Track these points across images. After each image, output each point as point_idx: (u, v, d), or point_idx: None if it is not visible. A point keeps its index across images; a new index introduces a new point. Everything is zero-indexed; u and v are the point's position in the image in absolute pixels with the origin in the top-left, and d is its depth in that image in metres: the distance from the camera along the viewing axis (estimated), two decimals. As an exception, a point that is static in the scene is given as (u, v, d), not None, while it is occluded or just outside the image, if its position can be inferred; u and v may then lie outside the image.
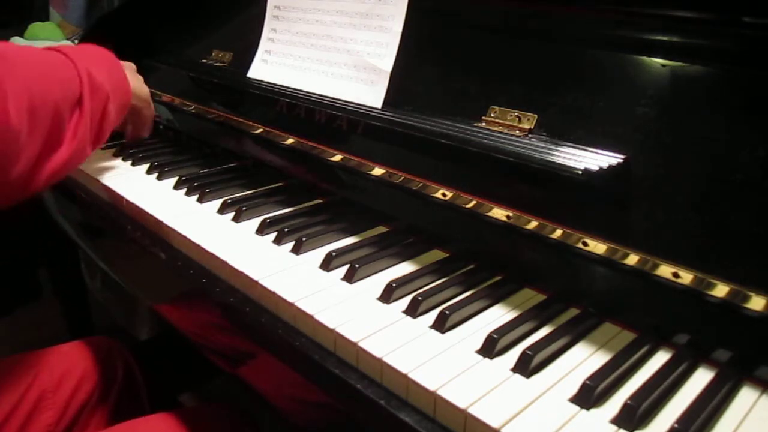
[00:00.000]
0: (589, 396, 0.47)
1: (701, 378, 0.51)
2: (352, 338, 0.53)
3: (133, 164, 0.95)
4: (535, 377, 0.50)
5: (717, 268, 0.50)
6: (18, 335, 1.41)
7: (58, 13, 1.54)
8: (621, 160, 0.56)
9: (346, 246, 0.69)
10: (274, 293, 0.60)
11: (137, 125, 0.97)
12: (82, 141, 0.71)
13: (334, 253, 0.66)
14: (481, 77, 0.69)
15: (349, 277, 0.63)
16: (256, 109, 0.90)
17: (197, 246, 0.70)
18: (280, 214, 0.77)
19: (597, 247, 0.56)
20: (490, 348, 0.52)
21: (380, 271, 0.66)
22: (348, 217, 0.76)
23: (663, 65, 0.57)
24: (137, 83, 0.92)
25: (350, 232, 0.74)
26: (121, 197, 0.83)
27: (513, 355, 0.52)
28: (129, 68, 0.93)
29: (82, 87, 0.71)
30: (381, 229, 0.75)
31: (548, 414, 0.46)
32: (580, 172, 0.55)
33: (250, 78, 0.92)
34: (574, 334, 0.55)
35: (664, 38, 0.58)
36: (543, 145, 0.59)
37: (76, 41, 1.24)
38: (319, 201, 0.83)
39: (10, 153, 0.60)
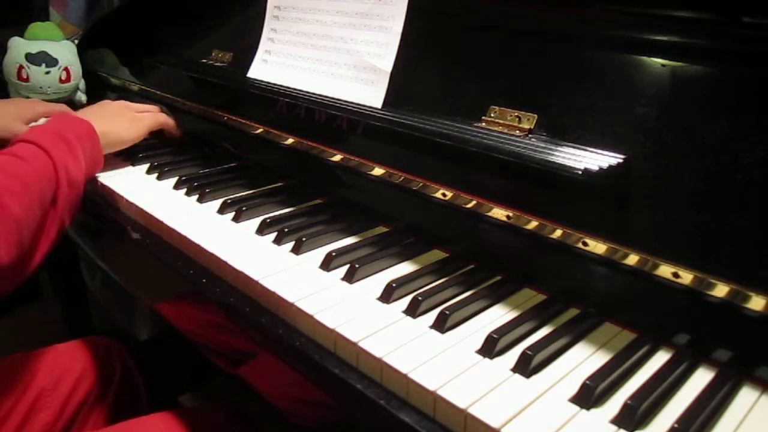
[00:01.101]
0: (589, 396, 0.47)
1: (701, 378, 0.51)
2: (352, 338, 0.53)
3: (133, 164, 0.95)
4: (535, 377, 0.50)
5: (717, 268, 0.50)
6: (18, 335, 1.41)
7: (58, 13, 1.54)
8: (621, 160, 0.55)
9: (346, 246, 0.69)
10: (274, 293, 0.60)
11: (162, 138, 1.02)
12: (58, 231, 0.73)
13: (334, 253, 0.66)
14: (481, 77, 0.69)
15: (349, 277, 0.63)
16: (256, 109, 0.90)
17: (197, 246, 0.70)
18: (280, 214, 0.77)
19: (597, 247, 0.56)
20: (490, 348, 0.52)
21: (380, 271, 0.66)
22: (348, 217, 0.76)
23: (663, 65, 0.57)
24: (124, 129, 0.92)
25: (350, 232, 0.74)
26: (121, 197, 0.83)
27: (513, 355, 0.52)
28: (116, 116, 0.93)
29: (59, 187, 0.72)
30: (381, 229, 0.75)
31: (548, 414, 0.46)
32: (580, 172, 0.55)
33: (250, 78, 0.92)
34: (574, 334, 0.55)
35: (664, 38, 0.58)
36: (543, 145, 0.59)
37: (75, 41, 1.23)
38: (319, 201, 0.83)
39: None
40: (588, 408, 0.47)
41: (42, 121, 0.97)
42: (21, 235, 0.65)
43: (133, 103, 1.00)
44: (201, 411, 0.85)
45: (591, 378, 0.48)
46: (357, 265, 0.63)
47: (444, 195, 0.67)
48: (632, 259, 0.54)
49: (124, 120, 0.93)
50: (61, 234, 0.74)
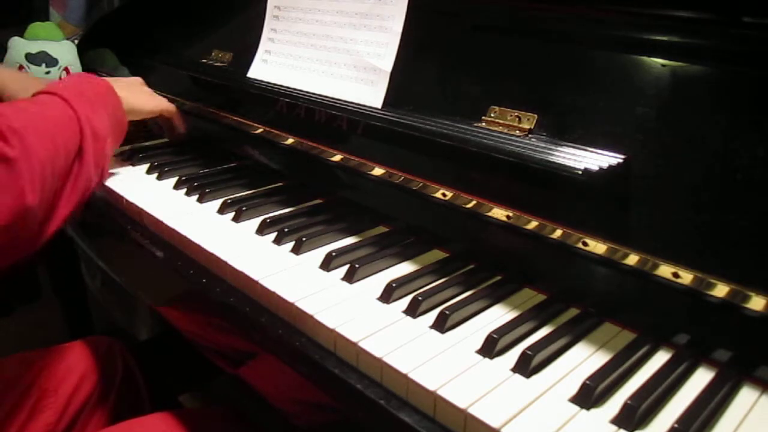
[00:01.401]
0: (589, 396, 0.47)
1: (701, 378, 0.51)
2: (352, 338, 0.53)
3: (133, 164, 0.95)
4: (535, 377, 0.50)
5: (717, 268, 0.50)
6: (18, 335, 1.41)
7: (58, 13, 1.54)
8: (621, 160, 0.55)
9: (346, 246, 0.69)
10: (274, 293, 0.60)
11: (168, 129, 1.01)
12: (84, 190, 0.72)
13: (334, 253, 0.66)
14: (481, 77, 0.69)
15: (349, 277, 0.63)
16: (256, 109, 0.90)
17: (197, 246, 0.70)
18: (280, 214, 0.77)
19: (597, 247, 0.56)
20: (490, 348, 0.52)
21: (380, 271, 0.66)
22: (348, 217, 0.76)
23: (663, 65, 0.57)
24: (143, 100, 0.92)
25: (350, 232, 0.74)
26: (121, 197, 0.83)
27: (513, 355, 0.52)
28: (133, 85, 0.93)
29: (83, 139, 0.71)
30: (381, 229, 0.75)
31: (548, 414, 0.46)
32: (580, 172, 0.55)
33: (250, 78, 0.92)
34: (574, 334, 0.55)
35: (664, 38, 0.58)
36: (543, 145, 0.59)
37: (75, 41, 1.23)
38: (319, 201, 0.83)
39: (23, 226, 0.62)
40: (588, 408, 0.47)
41: None
42: (44, 180, 0.63)
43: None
44: (202, 412, 0.85)
45: (591, 378, 0.48)
46: (357, 265, 0.63)
47: (444, 195, 0.67)
48: (632, 259, 0.54)
49: (143, 93, 0.93)
50: (90, 189, 0.73)
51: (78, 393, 0.85)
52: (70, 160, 0.69)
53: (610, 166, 0.55)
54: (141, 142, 1.05)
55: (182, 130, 1.02)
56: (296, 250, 0.69)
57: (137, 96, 0.90)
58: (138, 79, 0.97)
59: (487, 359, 0.52)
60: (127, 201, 0.82)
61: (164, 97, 1.05)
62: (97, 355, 0.89)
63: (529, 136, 0.62)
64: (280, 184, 0.88)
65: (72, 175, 0.70)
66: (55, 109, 0.70)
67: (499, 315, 0.59)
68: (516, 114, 0.64)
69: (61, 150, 0.67)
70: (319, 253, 0.68)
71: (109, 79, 0.87)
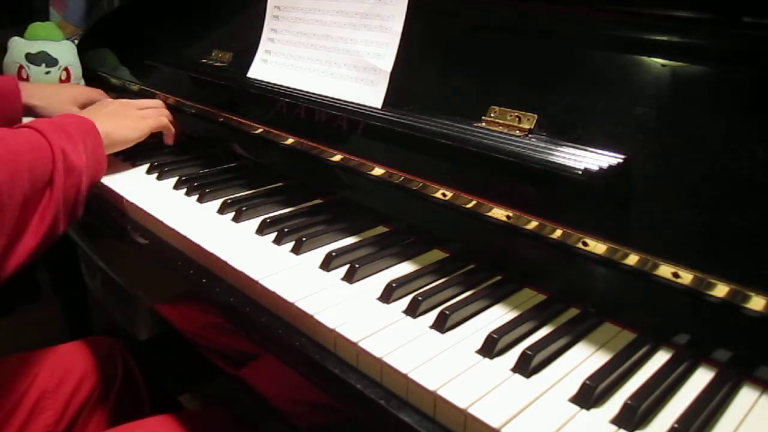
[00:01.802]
0: (589, 396, 0.47)
1: (701, 378, 0.51)
2: (352, 338, 0.53)
3: (133, 164, 0.95)
4: (535, 377, 0.50)
5: (717, 268, 0.50)
6: (18, 335, 1.41)
7: (58, 13, 1.54)
8: (621, 160, 0.55)
9: (346, 246, 0.69)
10: (274, 293, 0.60)
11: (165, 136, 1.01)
12: (53, 223, 0.69)
13: (334, 253, 0.66)
14: (481, 77, 0.69)
15: (349, 277, 0.63)
16: (256, 109, 0.90)
17: (197, 246, 0.70)
18: (280, 214, 0.77)
19: (597, 247, 0.56)
20: (490, 348, 0.52)
21: (380, 271, 0.66)
22: (348, 217, 0.76)
23: (663, 65, 0.57)
24: (127, 131, 0.89)
25: (350, 232, 0.74)
26: (121, 197, 0.83)
27: (513, 355, 0.52)
28: (117, 114, 0.91)
29: (55, 169, 0.68)
30: (381, 229, 0.75)
31: (548, 414, 0.46)
32: (580, 172, 0.55)
33: (250, 78, 0.92)
34: (574, 334, 0.55)
35: (664, 38, 0.58)
36: (543, 145, 0.59)
37: (75, 41, 1.23)
38: (319, 201, 0.83)
39: None
40: (588, 408, 0.47)
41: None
42: (2, 202, 0.61)
43: (134, 99, 0.99)
44: (202, 413, 0.85)
45: (591, 378, 0.48)
46: (357, 265, 0.63)
47: (444, 195, 0.67)
48: (632, 259, 0.54)
49: (127, 119, 0.91)
50: (57, 229, 0.70)
51: (78, 394, 0.85)
52: (38, 188, 0.66)
53: (610, 166, 0.55)
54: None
55: (174, 143, 1.00)
56: (296, 250, 0.69)
57: (121, 128, 0.88)
58: (123, 102, 0.96)
59: (487, 359, 0.52)
60: (127, 201, 0.82)
61: (165, 97, 1.05)
62: (98, 356, 0.89)
63: (529, 136, 0.62)
64: (280, 184, 0.88)
65: (41, 205, 0.67)
66: (24, 136, 0.68)
67: (499, 315, 0.59)
68: (516, 114, 0.64)
69: (24, 174, 0.64)
70: (319, 253, 0.68)
71: (92, 113, 0.86)
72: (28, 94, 0.98)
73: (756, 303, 0.48)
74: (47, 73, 1.12)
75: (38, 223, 0.66)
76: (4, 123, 0.93)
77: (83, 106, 0.99)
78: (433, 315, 0.57)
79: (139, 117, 0.93)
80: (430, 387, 0.48)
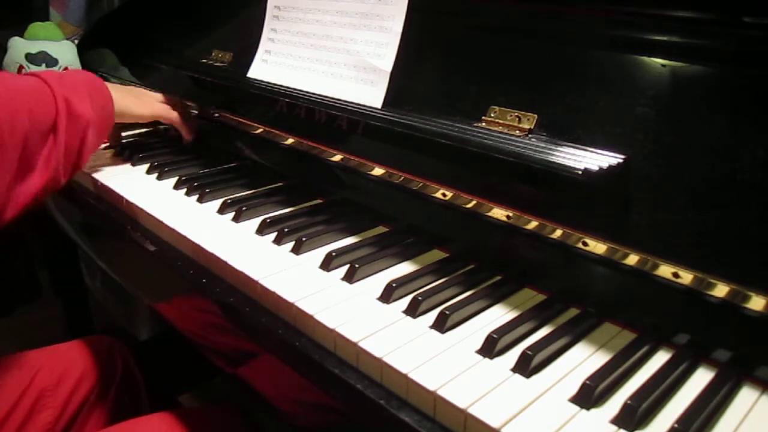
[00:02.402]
0: (589, 396, 0.47)
1: (701, 378, 0.51)
2: (352, 338, 0.53)
3: (133, 164, 0.95)
4: (535, 377, 0.50)
5: (717, 268, 0.50)
6: (18, 335, 1.41)
7: (58, 13, 1.54)
8: (621, 160, 0.55)
9: (346, 246, 0.69)
10: (274, 293, 0.60)
11: (179, 131, 0.99)
12: (56, 169, 0.70)
13: (334, 253, 0.66)
14: (481, 77, 0.69)
15: (349, 277, 0.63)
16: (256, 109, 0.90)
17: (197, 246, 0.70)
18: (280, 214, 0.77)
19: (597, 247, 0.56)
20: (490, 348, 0.52)
21: (380, 271, 0.66)
22: (348, 217, 0.76)
23: (663, 65, 0.57)
24: (137, 104, 0.90)
25: (350, 232, 0.74)
26: (121, 197, 0.83)
27: (513, 355, 0.52)
28: (132, 91, 0.92)
29: (58, 115, 0.69)
30: (381, 229, 0.75)
31: (548, 414, 0.46)
32: (580, 172, 0.55)
33: (250, 78, 0.92)
34: (574, 334, 0.55)
35: (664, 38, 0.58)
36: (543, 145, 0.59)
37: (75, 41, 1.23)
38: (319, 201, 0.83)
39: None
40: (588, 408, 0.47)
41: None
42: (2, 139, 0.61)
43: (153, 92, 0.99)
44: (202, 411, 0.85)
45: (591, 378, 0.48)
46: (357, 265, 0.63)
47: (444, 195, 0.67)
48: (632, 259, 0.54)
49: (139, 98, 0.92)
50: (58, 178, 0.70)
51: (77, 393, 0.85)
52: (41, 131, 0.67)
53: (610, 166, 0.55)
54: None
55: (187, 137, 1.00)
56: (296, 250, 0.69)
57: (131, 99, 0.89)
58: (142, 90, 0.96)
59: (487, 359, 0.52)
60: (127, 201, 0.82)
61: (170, 97, 1.05)
62: (97, 355, 0.89)
63: (529, 136, 0.62)
64: (280, 184, 0.88)
65: (45, 149, 0.67)
66: (26, 81, 0.68)
67: (499, 315, 0.59)
68: (516, 114, 0.64)
69: (23, 114, 0.64)
70: (319, 253, 0.68)
71: (109, 85, 0.86)
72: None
73: (756, 303, 0.48)
74: (47, 73, 1.12)
75: (43, 166, 0.67)
76: None
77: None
78: (433, 315, 0.57)
79: (151, 101, 0.93)
80: (430, 387, 0.48)
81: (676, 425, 0.45)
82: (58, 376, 0.84)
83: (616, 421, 0.46)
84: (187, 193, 0.84)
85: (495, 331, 0.53)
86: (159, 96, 0.98)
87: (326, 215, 0.77)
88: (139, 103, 0.91)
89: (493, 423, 0.45)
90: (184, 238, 0.72)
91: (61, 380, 0.84)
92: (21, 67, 1.11)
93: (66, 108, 0.70)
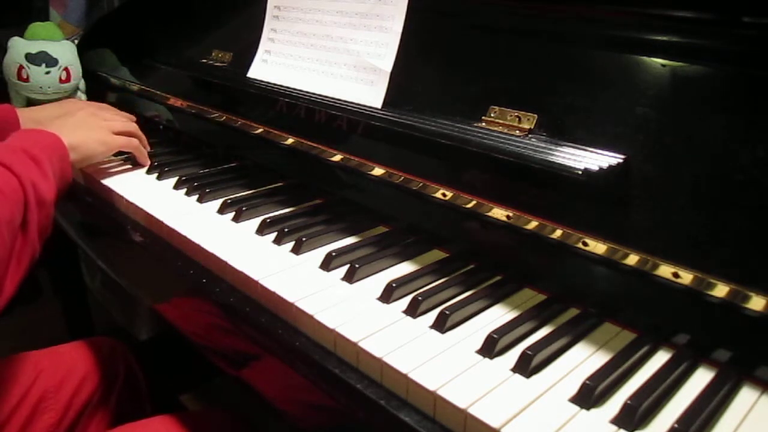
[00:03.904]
0: (589, 396, 0.47)
1: (701, 378, 0.51)
2: (352, 338, 0.53)
3: (133, 165, 0.95)
4: (535, 377, 0.50)
5: (717, 268, 0.50)
6: (18, 335, 1.41)
7: (58, 13, 1.54)
8: (621, 160, 0.56)
9: (346, 246, 0.69)
10: (274, 293, 0.60)
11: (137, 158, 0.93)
12: (30, 261, 0.65)
13: (334, 253, 0.66)
14: (481, 77, 0.69)
15: (349, 277, 0.63)
16: (256, 109, 0.90)
17: (197, 246, 0.70)
18: (280, 214, 0.77)
19: (597, 247, 0.56)
20: (490, 348, 0.52)
21: (380, 271, 0.66)
22: (348, 217, 0.76)
23: (663, 65, 0.57)
24: (93, 146, 0.83)
25: (350, 232, 0.74)
26: (121, 197, 0.83)
27: (513, 355, 0.52)
28: (84, 124, 0.85)
29: (27, 208, 0.64)
30: (381, 229, 0.75)
31: (548, 414, 0.46)
32: (580, 172, 0.55)
33: (250, 78, 0.92)
34: (574, 334, 0.55)
35: (664, 38, 0.58)
36: (543, 145, 0.59)
37: (75, 41, 1.23)
38: (319, 201, 0.83)
39: None
40: (588, 408, 0.47)
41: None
42: None
43: (103, 106, 0.95)
44: (203, 414, 0.85)
45: (591, 378, 0.48)
46: (357, 265, 0.63)
47: (444, 195, 0.67)
48: (632, 259, 0.54)
49: (96, 132, 0.85)
50: (34, 262, 0.66)
51: (79, 394, 0.84)
52: (15, 236, 0.62)
53: (610, 166, 0.55)
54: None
55: (144, 163, 0.94)
56: (296, 250, 0.69)
57: (89, 142, 0.82)
58: (91, 111, 0.89)
59: (487, 359, 0.52)
60: (127, 201, 0.82)
61: (165, 97, 1.05)
62: (99, 356, 0.89)
63: (529, 136, 0.62)
64: (280, 184, 0.88)
65: (15, 250, 0.62)
66: (1, 184, 0.62)
67: (499, 315, 0.59)
68: (516, 114, 0.64)
69: (3, 229, 0.60)
70: (319, 253, 0.68)
71: (58, 125, 0.80)
72: (24, 119, 0.90)
73: (756, 303, 0.48)
74: (47, 73, 1.12)
75: (17, 267, 0.63)
76: None
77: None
78: (433, 315, 0.57)
79: (108, 130, 0.87)
80: (430, 387, 0.48)
81: (676, 425, 0.45)
82: (61, 377, 0.84)
83: (616, 421, 0.46)
84: (187, 193, 0.84)
85: (495, 331, 0.53)
86: (111, 114, 0.93)
87: (326, 215, 0.77)
88: (98, 139, 0.84)
89: (493, 423, 0.45)
90: (184, 238, 0.72)
91: (63, 382, 0.84)
92: (21, 67, 1.11)
93: (35, 196, 0.65)
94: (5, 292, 0.62)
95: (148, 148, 0.95)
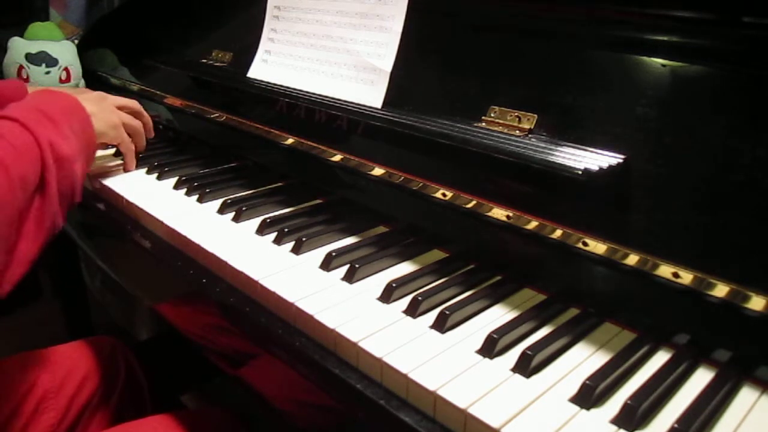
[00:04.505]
0: (589, 396, 0.47)
1: (701, 378, 0.51)
2: (352, 338, 0.53)
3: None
4: (535, 377, 0.50)
5: (717, 268, 0.50)
6: (18, 335, 1.41)
7: (58, 13, 1.54)
8: (621, 160, 0.56)
9: (346, 246, 0.69)
10: (274, 293, 0.60)
11: (133, 144, 0.90)
12: (52, 222, 0.63)
13: (334, 253, 0.66)
14: (481, 77, 0.69)
15: (349, 277, 0.63)
16: (256, 109, 0.90)
17: (197, 246, 0.70)
18: (280, 214, 0.77)
19: (597, 247, 0.56)
20: (490, 348, 0.52)
21: (380, 271, 0.66)
22: (348, 217, 0.76)
23: (663, 65, 0.57)
24: (109, 122, 0.82)
25: (350, 232, 0.74)
26: (121, 197, 0.83)
27: (513, 355, 0.52)
28: (102, 100, 0.84)
29: (45, 167, 0.61)
30: (381, 229, 0.75)
31: (548, 414, 0.46)
32: (580, 172, 0.55)
33: (250, 78, 0.92)
34: (574, 334, 0.55)
35: (664, 38, 0.58)
36: (543, 145, 0.59)
37: (75, 41, 1.23)
38: (319, 201, 0.83)
39: None
40: (588, 408, 0.47)
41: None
42: None
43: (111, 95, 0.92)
44: (203, 413, 0.85)
45: (591, 378, 0.48)
46: (357, 265, 0.63)
47: (444, 195, 0.67)
48: (632, 259, 0.54)
49: (105, 113, 0.83)
50: (57, 227, 0.64)
51: (80, 394, 0.84)
52: (30, 194, 0.60)
53: (610, 166, 0.55)
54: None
55: (130, 168, 0.91)
56: (296, 250, 0.69)
57: (102, 115, 0.80)
58: (100, 93, 0.88)
59: (487, 359, 0.52)
60: (127, 201, 0.82)
61: (165, 96, 1.05)
62: (100, 356, 0.89)
63: (529, 136, 0.62)
64: (280, 184, 0.88)
65: (34, 209, 0.60)
66: (12, 138, 0.60)
67: (499, 315, 0.59)
68: (516, 114, 0.64)
69: (16, 186, 0.58)
70: (319, 253, 0.68)
71: (74, 93, 0.78)
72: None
73: (756, 303, 0.48)
74: (47, 73, 1.12)
75: (36, 229, 0.60)
76: None
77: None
78: (433, 315, 0.57)
79: (112, 109, 0.84)
80: (430, 387, 0.48)
81: (676, 425, 0.45)
82: (61, 377, 0.84)
83: (616, 421, 0.46)
84: (187, 193, 0.84)
85: (495, 331, 0.53)
86: (118, 100, 0.89)
87: (326, 215, 0.77)
88: (107, 121, 0.82)
89: (493, 423, 0.45)
90: (184, 238, 0.72)
91: (64, 381, 0.84)
92: (21, 68, 1.11)
93: (52, 154, 0.62)
94: (20, 255, 0.59)
95: (152, 134, 0.94)
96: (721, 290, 0.49)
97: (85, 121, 0.73)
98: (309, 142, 0.81)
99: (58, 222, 0.65)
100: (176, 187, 0.87)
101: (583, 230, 0.56)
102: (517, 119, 0.64)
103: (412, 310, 0.58)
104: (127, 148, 0.89)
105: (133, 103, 0.91)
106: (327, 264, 0.66)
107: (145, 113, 0.93)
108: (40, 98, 0.70)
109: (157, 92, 1.07)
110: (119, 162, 0.94)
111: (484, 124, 0.66)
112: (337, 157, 0.78)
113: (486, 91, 0.68)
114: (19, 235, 0.59)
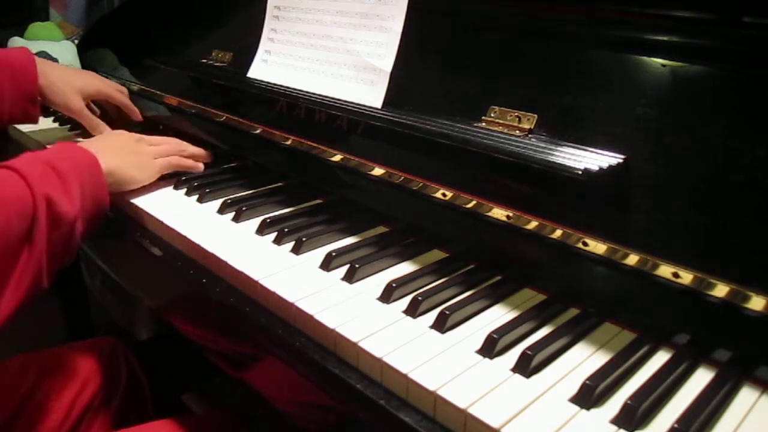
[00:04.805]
0: (589, 396, 0.47)
1: (701, 378, 0.51)
2: (352, 338, 0.53)
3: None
4: (535, 377, 0.50)
5: (717, 268, 0.50)
6: (18, 335, 1.41)
7: (58, 13, 1.54)
8: (621, 160, 0.56)
9: (346, 246, 0.69)
10: (274, 293, 0.60)
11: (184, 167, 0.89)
12: (33, 284, 0.60)
13: (334, 253, 0.66)
14: (481, 77, 0.69)
15: (349, 277, 0.63)
16: (256, 109, 0.90)
17: (197, 246, 0.70)
18: (280, 214, 0.77)
19: (597, 247, 0.56)
20: (490, 348, 0.52)
21: (380, 271, 0.66)
22: (348, 217, 0.76)
23: (663, 65, 0.57)
24: (134, 172, 0.80)
25: (350, 232, 0.74)
26: (121, 197, 0.83)
27: (513, 355, 0.52)
28: (125, 147, 0.81)
29: (35, 223, 0.59)
30: (381, 229, 0.75)
31: (548, 414, 0.46)
32: (580, 172, 0.55)
33: (250, 78, 0.92)
34: (574, 334, 0.55)
35: (664, 38, 0.58)
36: (543, 145, 0.59)
37: (75, 41, 1.24)
38: (319, 201, 0.83)
39: None
40: (588, 408, 0.47)
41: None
42: None
43: (147, 136, 0.90)
44: (205, 417, 0.85)
45: (591, 378, 0.48)
46: (357, 265, 0.63)
47: (444, 195, 0.67)
48: (632, 259, 0.54)
49: (137, 156, 0.82)
50: (41, 285, 0.62)
51: (82, 395, 0.84)
52: (11, 246, 0.58)
53: (610, 166, 0.55)
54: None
55: (199, 169, 0.91)
56: (296, 250, 0.69)
57: (128, 167, 0.79)
58: (134, 137, 0.86)
59: (487, 359, 0.52)
60: (126, 201, 0.82)
61: (165, 96, 1.05)
62: (102, 357, 0.89)
63: (529, 136, 0.62)
64: (280, 184, 0.88)
65: (18, 265, 0.58)
66: (3, 186, 0.59)
67: (499, 315, 0.59)
68: (516, 114, 0.64)
69: None
70: (319, 253, 0.68)
71: (96, 145, 0.76)
72: (40, 71, 0.92)
73: (756, 303, 0.48)
74: (47, 73, 1.12)
75: (16, 285, 0.58)
76: (22, 99, 0.90)
77: (88, 98, 0.96)
78: (433, 315, 0.57)
79: (149, 155, 0.84)
80: (430, 387, 0.48)
81: (676, 425, 0.45)
82: (63, 379, 0.83)
83: (616, 421, 0.46)
84: (187, 193, 0.84)
85: (495, 331, 0.53)
86: (155, 139, 0.89)
87: (326, 215, 0.77)
88: (138, 164, 0.81)
89: (493, 423, 0.45)
90: (184, 238, 0.72)
91: (66, 384, 0.83)
92: (21, 67, 1.11)
93: (47, 211, 0.60)
94: (3, 308, 0.57)
95: (207, 160, 0.92)
96: (721, 290, 0.49)
97: (99, 183, 0.71)
98: (309, 142, 0.81)
99: (41, 281, 0.62)
100: (176, 187, 0.87)
101: (583, 230, 0.56)
102: (517, 119, 0.64)
103: (412, 310, 0.58)
104: (173, 167, 0.87)
105: (169, 140, 0.90)
106: (327, 264, 0.66)
107: (190, 148, 0.91)
108: (57, 152, 0.69)
109: (157, 92, 1.07)
110: None
111: (484, 124, 0.66)
112: (337, 157, 0.78)
113: (486, 91, 0.68)
114: (3, 286, 0.57)
